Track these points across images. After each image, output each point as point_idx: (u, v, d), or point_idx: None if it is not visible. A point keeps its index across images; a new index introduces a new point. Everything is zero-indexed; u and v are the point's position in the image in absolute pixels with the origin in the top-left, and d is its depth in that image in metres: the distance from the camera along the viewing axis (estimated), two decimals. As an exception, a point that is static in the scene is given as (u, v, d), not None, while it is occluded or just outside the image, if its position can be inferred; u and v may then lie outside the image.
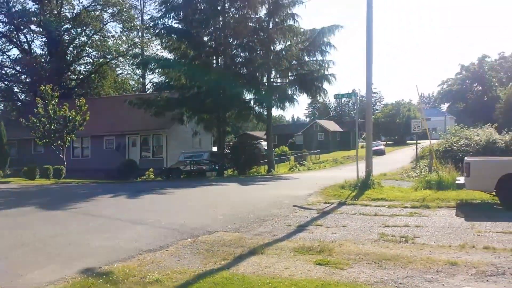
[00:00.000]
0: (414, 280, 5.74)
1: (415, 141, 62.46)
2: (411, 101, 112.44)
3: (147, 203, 14.53)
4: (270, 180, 21.87)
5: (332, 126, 74.42)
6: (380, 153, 43.34)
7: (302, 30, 31.24)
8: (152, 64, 31.38)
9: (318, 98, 32.90)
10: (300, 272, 6.30)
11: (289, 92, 31.36)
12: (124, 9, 50.59)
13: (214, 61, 32.42)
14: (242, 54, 32.00)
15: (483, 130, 22.47)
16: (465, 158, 11.90)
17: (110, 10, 50.82)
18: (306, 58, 31.75)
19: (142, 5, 57.19)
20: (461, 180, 11.60)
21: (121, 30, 52.24)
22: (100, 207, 13.92)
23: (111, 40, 51.89)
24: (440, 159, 21.31)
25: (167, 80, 32.16)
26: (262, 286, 5.65)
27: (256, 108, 32.13)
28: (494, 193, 11.26)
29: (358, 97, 17.68)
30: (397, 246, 7.59)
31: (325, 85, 30.88)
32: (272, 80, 32.37)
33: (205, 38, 32.57)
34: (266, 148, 38.30)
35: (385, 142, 64.07)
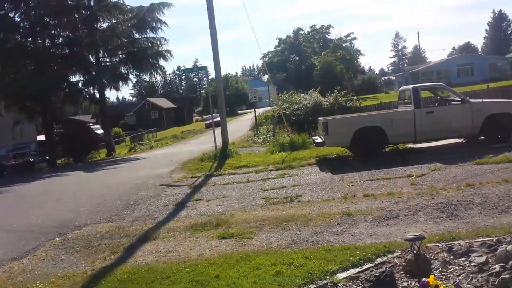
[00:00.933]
0: (323, 236, 5.80)
1: (244, 111, 65.79)
2: (237, 74, 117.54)
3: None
4: (118, 163, 20.36)
5: (165, 103, 73.21)
6: (219, 124, 44.03)
7: (128, 7, 29.54)
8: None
9: (155, 75, 31.62)
10: (208, 250, 5.86)
11: (122, 70, 29.56)
12: None
13: (32, 44, 28.50)
14: (64, 34, 28.82)
15: (310, 94, 24.54)
16: (319, 118, 12.67)
17: None
18: (137, 36, 30.16)
19: None
20: (318, 138, 12.34)
21: None
22: None
23: None
24: (278, 124, 22.65)
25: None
26: (179, 272, 5.05)
27: (87, 90, 29.51)
28: (346, 147, 12.29)
29: (208, 71, 17.34)
30: (286, 207, 7.66)
31: (161, 62, 29.88)
32: (101, 59, 29.95)
33: (18, 19, 28.38)
34: (97, 131, 35.77)
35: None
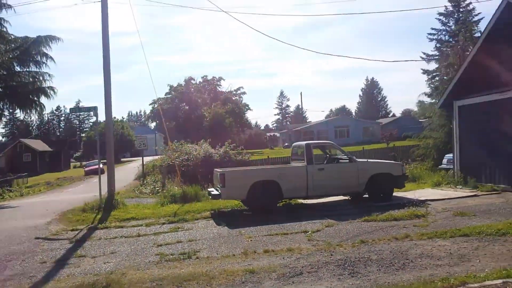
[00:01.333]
0: (229, 296, 5.49)
1: (129, 159, 63.11)
2: (123, 118, 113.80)
3: None
4: (-18, 212, 17.76)
5: (40, 145, 67.21)
6: (101, 172, 41.24)
7: (12, 37, 27.11)
8: None
9: (34, 114, 28.93)
10: (99, 316, 5.16)
11: (-2, 106, 26.63)
12: None
13: None
14: None
15: (200, 145, 24.53)
16: (216, 169, 12.51)
17: None
18: (18, 69, 27.52)
19: None
20: (214, 190, 12.11)
21: None
22: None
23: None
24: (167, 174, 22.06)
25: None
26: None
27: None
28: (241, 200, 12.23)
29: (97, 112, 16.22)
30: (184, 264, 7.22)
31: (42, 99, 27.44)
32: (-27, 91, 26.74)
33: None
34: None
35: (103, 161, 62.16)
